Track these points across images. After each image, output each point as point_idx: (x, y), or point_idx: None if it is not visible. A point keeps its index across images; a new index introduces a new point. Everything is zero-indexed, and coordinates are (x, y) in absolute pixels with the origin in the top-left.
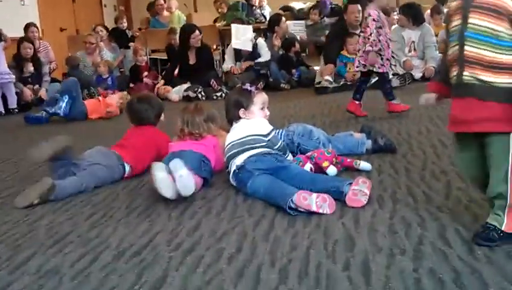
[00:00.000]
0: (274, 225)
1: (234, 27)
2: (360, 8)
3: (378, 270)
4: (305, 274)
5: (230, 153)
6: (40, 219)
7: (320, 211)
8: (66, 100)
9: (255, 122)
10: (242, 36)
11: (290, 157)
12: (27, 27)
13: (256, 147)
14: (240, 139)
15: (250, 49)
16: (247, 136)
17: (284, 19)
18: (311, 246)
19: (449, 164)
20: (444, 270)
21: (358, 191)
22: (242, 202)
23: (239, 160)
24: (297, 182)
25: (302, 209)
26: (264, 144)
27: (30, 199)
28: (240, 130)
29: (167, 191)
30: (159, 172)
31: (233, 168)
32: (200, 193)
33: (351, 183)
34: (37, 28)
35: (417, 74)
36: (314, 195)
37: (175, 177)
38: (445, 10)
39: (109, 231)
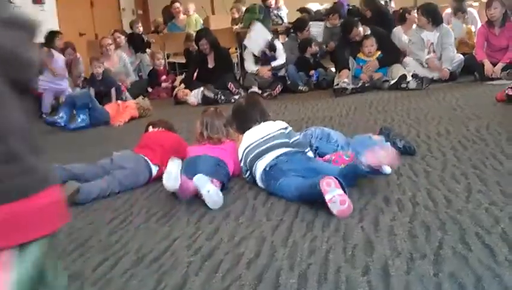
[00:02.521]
0: (292, 229)
1: (257, 26)
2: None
3: (398, 274)
4: (324, 279)
5: (256, 152)
6: None
7: (329, 205)
8: (83, 115)
9: (272, 122)
10: (257, 37)
11: (310, 154)
12: (65, 48)
13: (281, 145)
14: (262, 137)
15: (256, 53)
16: (269, 133)
17: (308, 26)
18: (330, 250)
19: (470, 166)
20: (465, 275)
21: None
22: (261, 206)
23: (268, 159)
24: None
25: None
26: (288, 140)
27: None
28: (259, 131)
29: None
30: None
31: (261, 167)
32: None
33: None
34: (73, 49)
35: (436, 75)
36: (340, 191)
37: (202, 194)
38: (468, 9)
39: (129, 236)
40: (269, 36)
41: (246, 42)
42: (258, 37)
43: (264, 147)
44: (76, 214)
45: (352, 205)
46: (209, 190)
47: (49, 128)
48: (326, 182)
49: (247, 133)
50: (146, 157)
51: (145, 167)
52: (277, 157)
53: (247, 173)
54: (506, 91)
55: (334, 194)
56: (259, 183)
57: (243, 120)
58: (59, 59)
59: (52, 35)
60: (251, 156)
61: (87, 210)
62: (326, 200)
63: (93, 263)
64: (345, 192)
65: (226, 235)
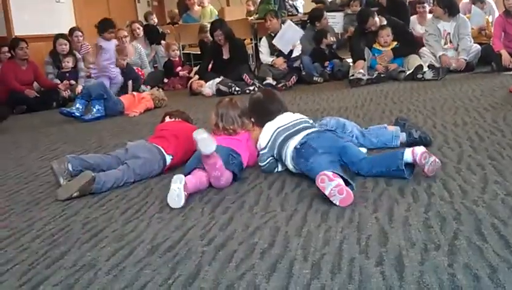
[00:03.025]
0: (307, 219)
1: (288, 24)
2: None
3: (412, 265)
4: (338, 269)
5: (286, 134)
6: (75, 214)
7: (331, 199)
8: (99, 106)
9: (292, 113)
10: (287, 37)
11: None
12: (71, 31)
13: (310, 127)
14: (290, 122)
15: (285, 52)
16: (296, 119)
17: (325, 14)
18: (344, 241)
19: (486, 157)
20: (480, 266)
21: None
22: (275, 196)
23: (299, 137)
24: (359, 166)
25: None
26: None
27: (70, 192)
28: (285, 118)
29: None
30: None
31: (292, 146)
32: (232, 187)
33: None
34: (81, 32)
35: (453, 65)
36: (335, 182)
37: (197, 140)
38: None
39: (143, 225)
40: (301, 32)
41: (275, 42)
42: (289, 36)
43: (294, 129)
44: (90, 204)
45: (351, 192)
46: (174, 189)
47: (65, 119)
48: (321, 179)
49: (271, 122)
50: (160, 147)
51: (159, 157)
52: (307, 134)
53: (268, 160)
54: None
55: (331, 187)
56: (290, 165)
57: (264, 113)
58: (108, 47)
59: (102, 26)
60: (281, 138)
61: (101, 200)
62: (327, 196)
63: (108, 252)
64: (345, 181)
65: (240, 225)
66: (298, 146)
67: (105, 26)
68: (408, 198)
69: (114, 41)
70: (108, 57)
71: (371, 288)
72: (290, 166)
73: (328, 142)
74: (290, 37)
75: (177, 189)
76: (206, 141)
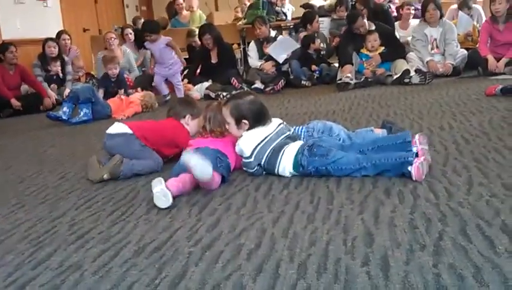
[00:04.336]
0: (293, 221)
1: (281, 38)
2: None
3: (397, 265)
4: (324, 270)
5: (276, 143)
6: (62, 215)
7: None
8: (86, 109)
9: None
10: (282, 48)
11: None
12: (59, 35)
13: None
14: (274, 131)
15: (280, 61)
16: (279, 125)
17: (317, 17)
18: (330, 242)
19: (471, 159)
20: (464, 266)
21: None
22: (262, 198)
23: (297, 145)
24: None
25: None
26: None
27: (101, 174)
28: (271, 125)
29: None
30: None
31: (293, 150)
32: (219, 189)
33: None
34: (68, 35)
35: (440, 70)
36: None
37: (190, 168)
38: (473, 6)
39: (130, 227)
40: (297, 46)
41: (269, 50)
42: (285, 47)
43: (282, 137)
44: (77, 206)
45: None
46: (196, 164)
47: (52, 123)
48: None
49: (256, 130)
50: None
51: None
52: (311, 138)
53: (256, 168)
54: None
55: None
56: (286, 170)
57: (260, 118)
58: (153, 48)
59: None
60: (270, 147)
61: (88, 202)
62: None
63: (94, 253)
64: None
65: (226, 227)
66: (307, 147)
67: (144, 29)
68: (394, 199)
69: (162, 40)
70: (157, 57)
71: (357, 288)
72: (286, 171)
73: (336, 144)
74: (285, 47)
75: (161, 190)
76: (202, 166)
